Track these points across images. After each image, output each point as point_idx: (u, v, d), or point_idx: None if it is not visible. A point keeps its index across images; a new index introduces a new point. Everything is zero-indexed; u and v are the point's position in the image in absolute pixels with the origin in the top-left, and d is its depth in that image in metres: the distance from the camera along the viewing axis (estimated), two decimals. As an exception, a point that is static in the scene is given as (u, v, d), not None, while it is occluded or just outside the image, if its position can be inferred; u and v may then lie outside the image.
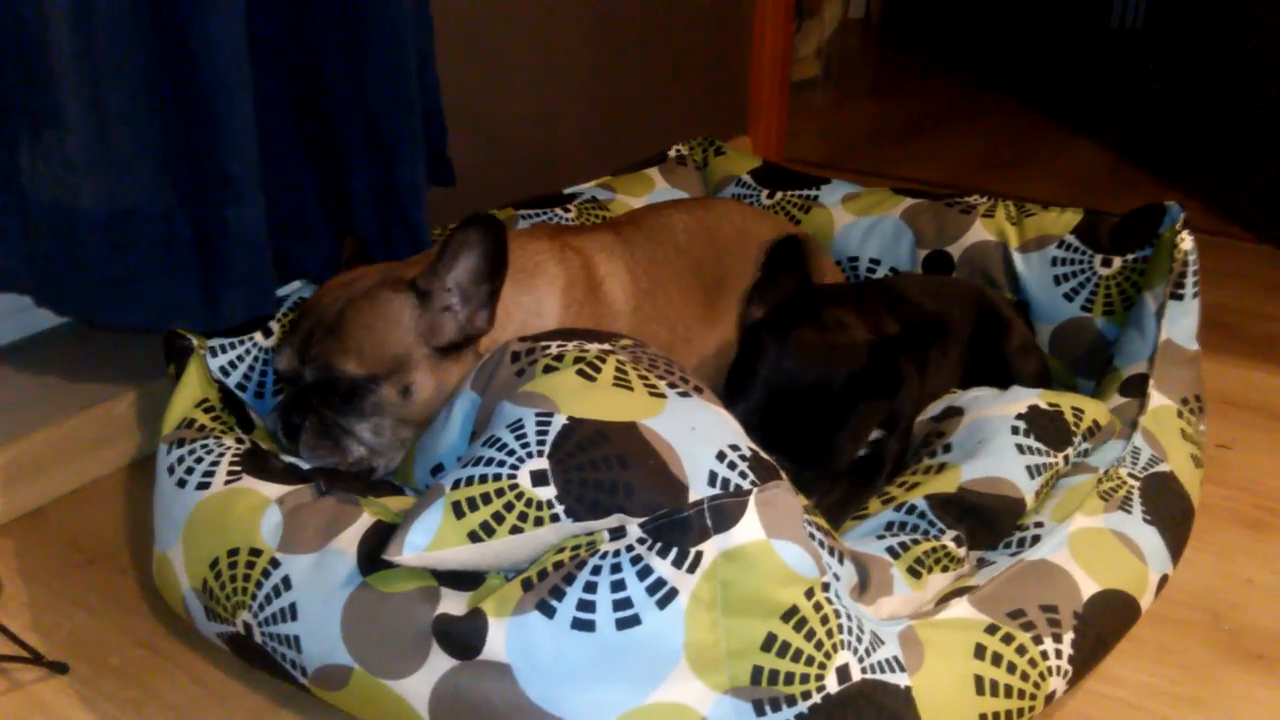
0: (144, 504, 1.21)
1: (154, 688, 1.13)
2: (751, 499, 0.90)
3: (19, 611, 1.23)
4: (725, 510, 0.89)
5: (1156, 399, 1.36)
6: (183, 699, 1.11)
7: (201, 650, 1.17)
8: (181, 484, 1.14)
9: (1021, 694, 0.99)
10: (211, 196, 1.38)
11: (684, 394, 1.02)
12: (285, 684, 1.07)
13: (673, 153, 2.07)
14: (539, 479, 0.92)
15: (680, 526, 0.89)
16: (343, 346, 1.19)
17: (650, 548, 0.89)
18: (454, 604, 0.94)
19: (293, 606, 1.01)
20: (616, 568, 0.89)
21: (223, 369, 1.39)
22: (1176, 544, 1.21)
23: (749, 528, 0.89)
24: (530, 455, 0.94)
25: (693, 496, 0.91)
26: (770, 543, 0.89)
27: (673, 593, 0.88)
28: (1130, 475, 1.23)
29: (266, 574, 1.04)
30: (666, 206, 1.64)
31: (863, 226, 1.80)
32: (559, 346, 1.08)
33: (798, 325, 1.23)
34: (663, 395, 1.01)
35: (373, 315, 1.20)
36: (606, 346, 1.08)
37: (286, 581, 1.03)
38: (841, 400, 1.20)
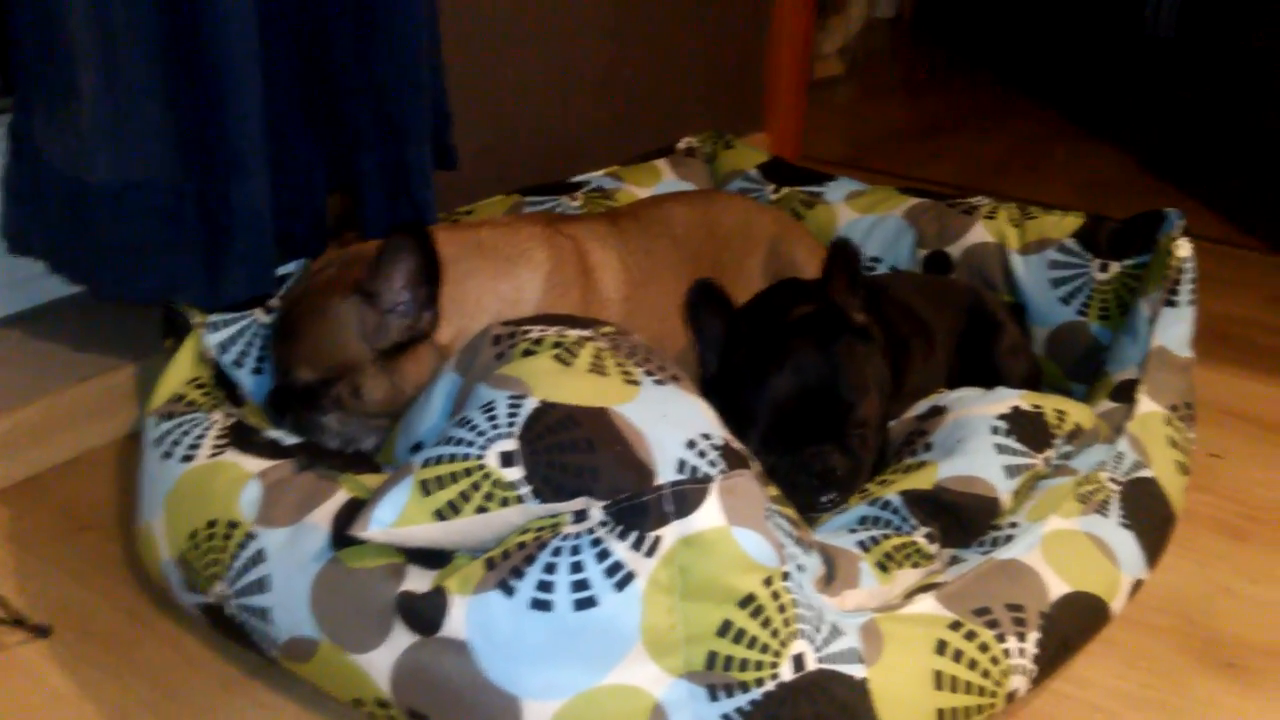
0: (137, 475, 1.23)
1: (133, 655, 1.15)
2: (714, 486, 0.91)
3: (7, 576, 1.26)
4: (686, 496, 0.90)
5: (1145, 405, 1.35)
6: (160, 666, 1.13)
7: (181, 620, 1.19)
8: (167, 456, 1.16)
9: (982, 691, 0.99)
10: (217, 174, 1.40)
11: (659, 382, 1.03)
12: (258, 656, 1.09)
13: (681, 145, 2.08)
14: (507, 460, 0.94)
15: (640, 511, 0.90)
16: (297, 355, 1.27)
17: (610, 531, 0.91)
18: (419, 581, 0.96)
19: (266, 578, 1.03)
20: (576, 549, 0.90)
21: (221, 344, 1.41)
22: (1153, 549, 1.20)
23: (709, 514, 0.90)
24: (500, 436, 0.95)
25: (659, 482, 0.92)
26: (730, 530, 0.90)
27: (630, 576, 0.89)
28: (1111, 479, 1.23)
29: (242, 546, 1.06)
30: (667, 198, 1.65)
31: (865, 224, 1.80)
32: (540, 331, 1.09)
33: (742, 344, 1.26)
34: (637, 382, 1.02)
35: (320, 324, 1.26)
36: (587, 333, 1.10)
37: (261, 554, 1.04)
38: (822, 358, 1.22)
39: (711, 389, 1.28)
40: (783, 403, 1.21)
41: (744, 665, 0.90)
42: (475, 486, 0.94)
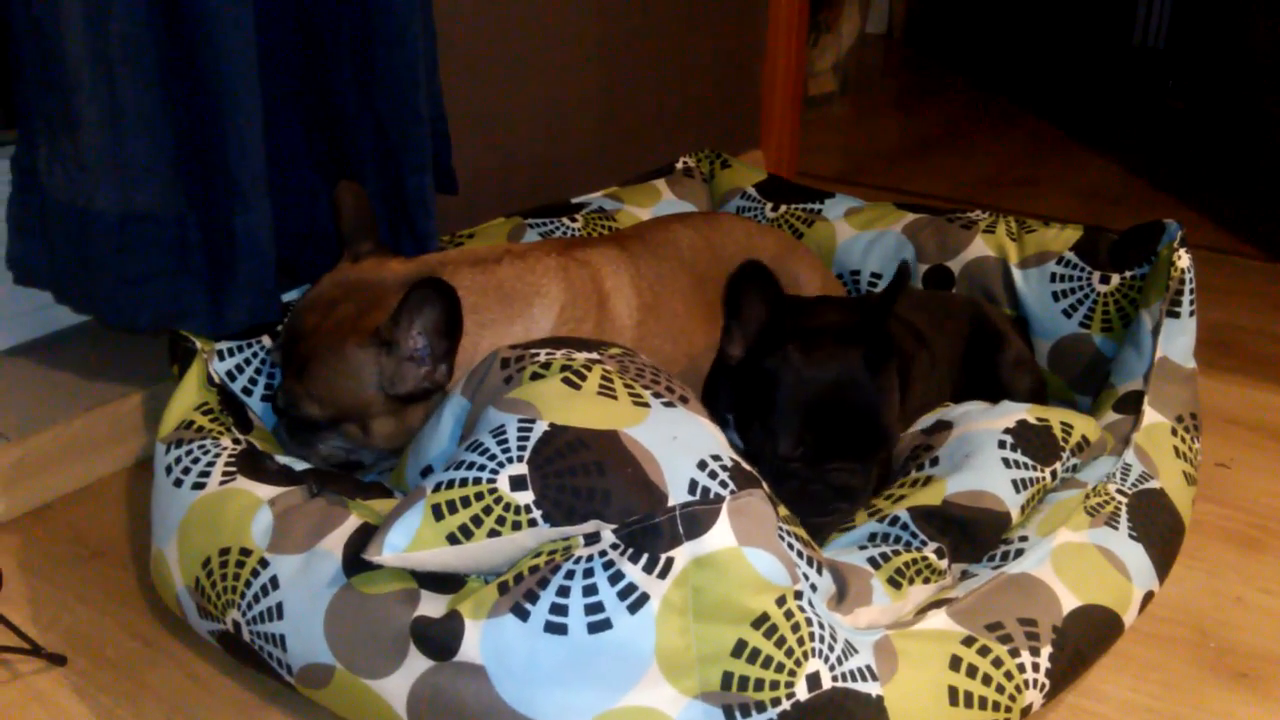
0: (147, 502, 1.23)
1: (148, 681, 1.15)
2: (724, 506, 0.92)
3: (20, 604, 1.26)
4: (697, 517, 0.91)
5: (1151, 416, 1.36)
6: (175, 693, 1.14)
7: (195, 646, 1.19)
8: (178, 483, 1.17)
9: (996, 706, 0.99)
10: (219, 203, 1.40)
11: (669, 404, 1.04)
12: (274, 681, 1.09)
13: (680, 165, 2.09)
14: (518, 484, 0.94)
15: (652, 532, 0.91)
16: (306, 391, 1.27)
17: (622, 553, 0.91)
18: (433, 606, 0.96)
19: (279, 606, 1.03)
20: (589, 572, 0.91)
21: (229, 373, 1.41)
22: (1164, 561, 1.21)
23: (720, 535, 0.91)
24: (510, 460, 0.96)
25: (671, 504, 0.93)
26: (741, 550, 0.90)
27: (644, 598, 0.90)
28: (1119, 491, 1.23)
29: (255, 573, 1.06)
30: (672, 221, 1.66)
31: (864, 241, 1.81)
32: (547, 354, 1.10)
33: (788, 340, 1.19)
34: (646, 405, 1.02)
35: (335, 369, 1.25)
36: (594, 355, 1.10)
37: (274, 581, 1.05)
38: (870, 380, 1.17)
39: (730, 373, 1.25)
40: (827, 414, 1.16)
41: (759, 685, 0.90)
42: (487, 510, 0.94)
